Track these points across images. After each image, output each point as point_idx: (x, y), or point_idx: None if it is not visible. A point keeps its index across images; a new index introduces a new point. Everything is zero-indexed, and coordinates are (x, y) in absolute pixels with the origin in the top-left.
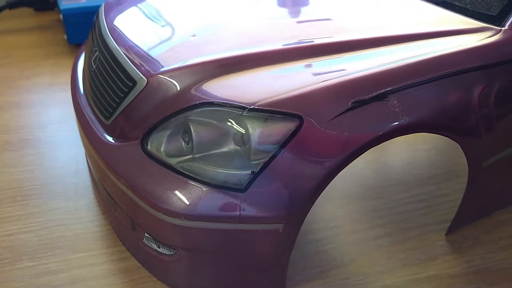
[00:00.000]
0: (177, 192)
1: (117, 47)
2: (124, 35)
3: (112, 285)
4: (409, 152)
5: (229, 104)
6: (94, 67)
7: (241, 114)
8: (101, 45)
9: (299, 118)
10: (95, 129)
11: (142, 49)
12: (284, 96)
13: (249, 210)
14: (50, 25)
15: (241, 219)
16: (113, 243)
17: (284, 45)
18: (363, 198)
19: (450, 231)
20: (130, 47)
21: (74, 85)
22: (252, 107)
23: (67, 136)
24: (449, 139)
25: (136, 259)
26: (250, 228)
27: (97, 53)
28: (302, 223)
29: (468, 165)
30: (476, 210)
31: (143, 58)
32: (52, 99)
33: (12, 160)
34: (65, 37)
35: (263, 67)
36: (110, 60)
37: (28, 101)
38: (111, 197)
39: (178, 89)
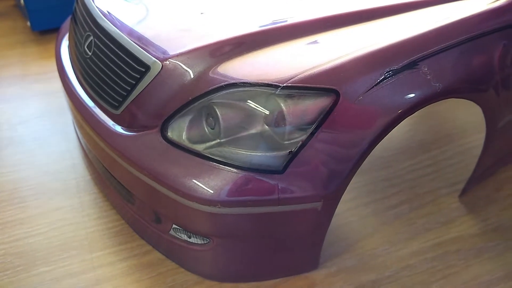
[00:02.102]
0: (210, 180)
1: (118, 31)
2: (122, 17)
3: (139, 281)
4: (406, 119)
5: (260, 83)
6: (90, 53)
7: (274, 93)
8: (95, 29)
9: (335, 92)
10: (103, 121)
11: (148, 31)
12: (316, 71)
13: (287, 192)
14: (6, 12)
15: (280, 201)
16: (131, 238)
17: (303, 17)
18: (372, 169)
19: (464, 193)
20: (132, 30)
21: (64, 75)
22: (285, 84)
23: (53, 130)
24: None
25: (159, 251)
26: (288, 209)
27: (92, 38)
28: (340, 199)
29: (486, 127)
30: (487, 170)
31: (152, 41)
32: (28, 91)
33: (1, 160)
34: (28, 23)
35: (286, 42)
36: (112, 46)
37: (1, 95)
38: (127, 190)
39: (198, 71)
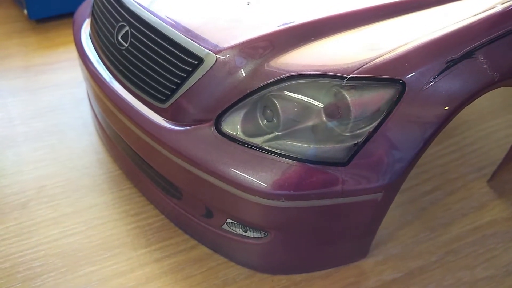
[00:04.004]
0: (273, 173)
1: (161, 21)
2: (160, 6)
3: (190, 277)
4: None
5: (325, 74)
6: (126, 45)
7: (339, 85)
8: (130, 19)
9: (401, 83)
10: (145, 115)
11: (193, 22)
12: (381, 61)
13: (351, 184)
14: None
15: (343, 193)
16: (174, 233)
17: (355, 6)
18: None
19: (493, 178)
20: (176, 21)
21: (91, 67)
22: (351, 76)
23: (70, 123)
24: None
25: (206, 246)
26: (349, 201)
27: (127, 29)
28: (399, 189)
29: None
30: None
31: (202, 32)
32: (35, 83)
33: (19, 157)
34: (25, 12)
35: (343, 32)
36: (155, 37)
37: (7, 88)
38: (172, 185)
39: (254, 63)
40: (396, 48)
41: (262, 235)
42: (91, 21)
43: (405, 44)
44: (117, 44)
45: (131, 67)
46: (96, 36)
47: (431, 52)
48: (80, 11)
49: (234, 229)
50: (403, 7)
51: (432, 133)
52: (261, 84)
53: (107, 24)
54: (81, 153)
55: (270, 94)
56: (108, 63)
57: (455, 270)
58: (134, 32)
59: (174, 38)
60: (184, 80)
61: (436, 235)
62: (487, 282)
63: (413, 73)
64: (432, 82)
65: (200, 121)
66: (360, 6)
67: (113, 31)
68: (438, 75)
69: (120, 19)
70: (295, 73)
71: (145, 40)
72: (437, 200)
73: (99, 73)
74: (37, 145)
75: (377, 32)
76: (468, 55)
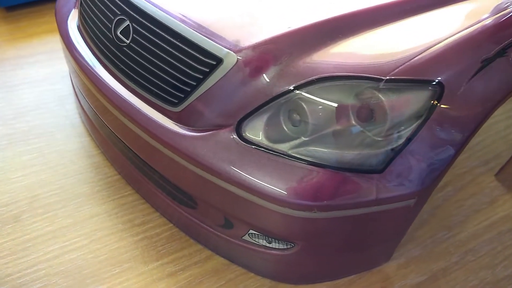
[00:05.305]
0: (304, 183)
1: (170, 17)
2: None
3: None
4: None
5: (360, 76)
6: (128, 41)
7: (375, 87)
8: (131, 12)
9: (439, 84)
10: (156, 119)
11: (207, 18)
12: (417, 60)
13: (385, 191)
14: None
15: (377, 202)
16: (185, 243)
17: (383, 0)
18: None
19: (500, 172)
20: (188, 16)
21: (83, 63)
22: (388, 77)
23: (56, 123)
24: None
25: (221, 256)
26: (381, 209)
27: (128, 23)
28: (431, 193)
29: None
30: None
31: (218, 29)
32: (11, 79)
33: (4, 163)
34: None
35: (372, 28)
36: (165, 34)
37: None
38: (186, 194)
39: (279, 64)
40: (430, 47)
41: (288, 246)
42: (80, 12)
43: (439, 42)
44: (116, 40)
45: (135, 66)
46: (88, 29)
47: (467, 51)
48: (62, 1)
49: (256, 240)
50: (431, 2)
51: (468, 135)
52: (289, 87)
53: (101, 16)
54: (73, 157)
55: (299, 97)
56: (104, 60)
57: (477, 270)
58: (137, 28)
59: (187, 36)
60: (200, 81)
61: (453, 233)
62: (509, 281)
63: (451, 74)
64: (469, 82)
65: (218, 126)
66: (388, 2)
67: (109, 25)
68: (474, 75)
69: (118, 12)
70: (327, 74)
71: (151, 37)
72: (449, 196)
73: (94, 70)
74: (22, 149)
75: (407, 29)
76: (501, 53)
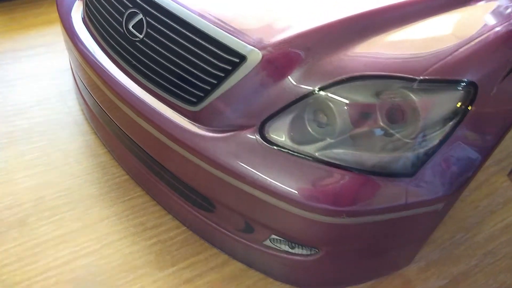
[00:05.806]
0: (332, 187)
1: (189, 11)
2: None
3: None
4: None
5: (392, 76)
6: (141, 36)
7: (407, 87)
8: (145, 6)
9: (473, 85)
10: (173, 119)
11: (229, 13)
12: (450, 60)
13: (415, 196)
14: None
15: (406, 206)
16: (200, 247)
17: None
18: None
19: None
20: (208, 11)
21: (91, 58)
22: (422, 77)
23: (58, 120)
24: None
25: (239, 260)
26: (410, 213)
27: (141, 17)
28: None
29: None
30: None
31: (241, 24)
32: (9, 73)
33: (6, 163)
34: None
35: (401, 26)
36: (183, 30)
37: None
38: (204, 197)
39: (307, 62)
40: (463, 45)
41: (312, 252)
42: (86, 4)
43: (472, 40)
44: (127, 35)
45: (149, 62)
46: (95, 22)
47: (500, 49)
48: None
49: (278, 245)
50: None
51: (500, 137)
52: (316, 86)
53: (110, 9)
54: (79, 157)
55: (327, 97)
56: (114, 55)
57: (496, 273)
58: (152, 22)
59: (208, 32)
60: (222, 80)
61: (471, 235)
62: None
63: (484, 73)
64: (501, 82)
65: (239, 127)
66: None
67: (120, 19)
68: (507, 75)
69: (130, 5)
70: (357, 74)
71: (168, 32)
72: (464, 197)
73: (103, 65)
74: (24, 148)
75: (438, 26)
76: None
